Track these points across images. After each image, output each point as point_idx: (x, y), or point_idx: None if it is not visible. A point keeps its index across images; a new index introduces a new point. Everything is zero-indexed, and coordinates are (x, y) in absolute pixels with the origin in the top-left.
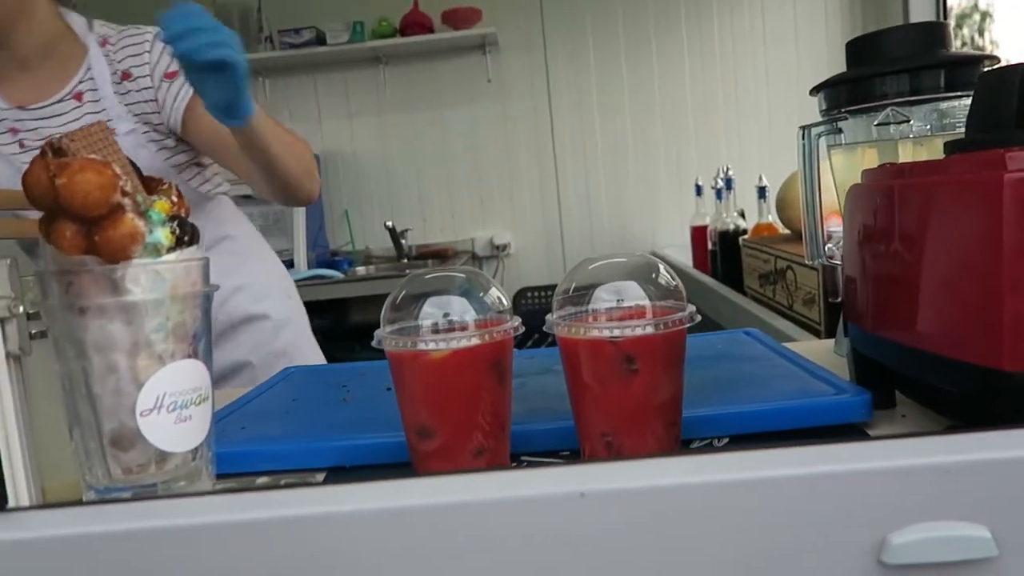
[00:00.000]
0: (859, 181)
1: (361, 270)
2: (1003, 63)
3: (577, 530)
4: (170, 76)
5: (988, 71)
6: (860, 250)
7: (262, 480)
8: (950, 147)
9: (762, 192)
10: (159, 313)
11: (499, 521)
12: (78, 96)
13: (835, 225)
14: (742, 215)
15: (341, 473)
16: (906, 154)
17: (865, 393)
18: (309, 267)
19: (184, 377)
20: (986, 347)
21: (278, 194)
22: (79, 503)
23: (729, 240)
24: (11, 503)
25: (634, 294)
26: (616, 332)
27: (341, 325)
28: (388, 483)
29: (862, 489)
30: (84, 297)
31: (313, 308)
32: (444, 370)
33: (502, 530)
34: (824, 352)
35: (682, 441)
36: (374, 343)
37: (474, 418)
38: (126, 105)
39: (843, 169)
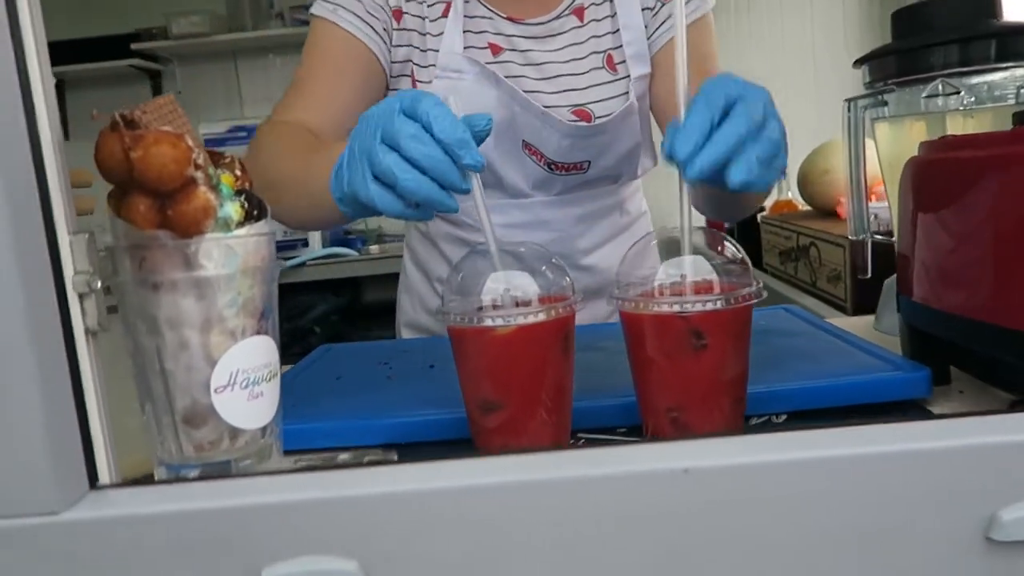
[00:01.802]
0: (907, 154)
1: (375, 248)
2: None
3: (681, 507)
4: None
5: None
6: (922, 224)
7: (342, 457)
8: (1019, 118)
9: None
10: (231, 288)
11: (603, 497)
12: (579, 12)
13: (874, 200)
14: None
15: (403, 449)
16: (955, 127)
17: (924, 369)
18: (324, 245)
19: (256, 353)
20: None
21: None
22: (173, 481)
23: (748, 217)
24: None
25: (701, 268)
26: (686, 307)
27: (356, 303)
28: (484, 460)
29: (971, 465)
30: (157, 272)
31: (328, 286)
32: (510, 346)
33: (606, 507)
34: (863, 328)
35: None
36: (436, 317)
37: (539, 392)
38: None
39: (889, 143)
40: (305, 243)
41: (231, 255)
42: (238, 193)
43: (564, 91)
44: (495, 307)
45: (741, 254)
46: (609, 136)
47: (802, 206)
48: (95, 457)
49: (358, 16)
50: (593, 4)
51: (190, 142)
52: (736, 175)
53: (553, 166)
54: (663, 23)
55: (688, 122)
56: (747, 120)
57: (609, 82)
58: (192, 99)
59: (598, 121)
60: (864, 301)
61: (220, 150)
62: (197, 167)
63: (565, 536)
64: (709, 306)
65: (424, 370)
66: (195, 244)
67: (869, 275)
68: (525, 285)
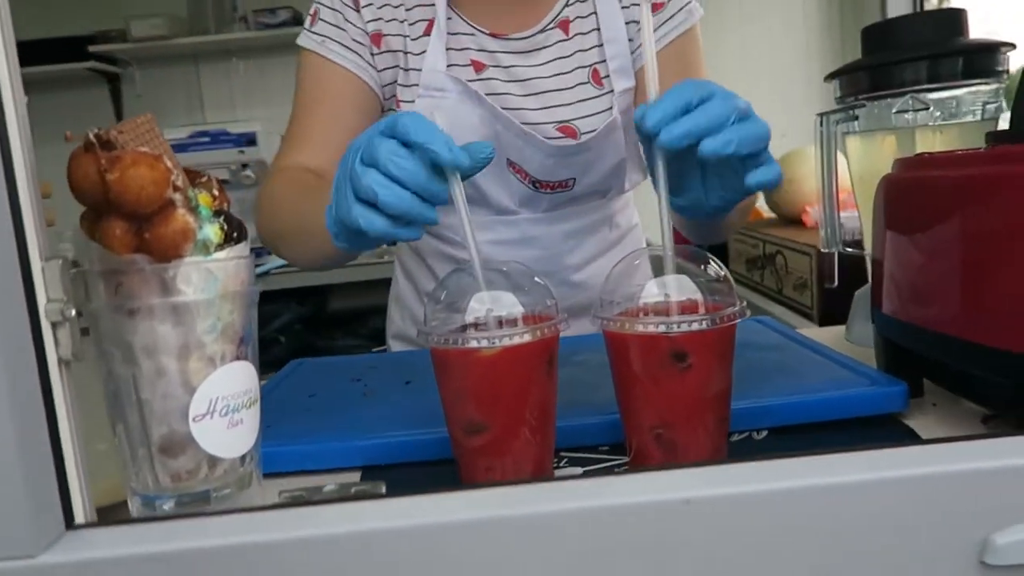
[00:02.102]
0: (878, 167)
1: None
2: (1016, 48)
3: (682, 538)
4: (654, 8)
5: None
6: (896, 239)
7: (329, 489)
8: (993, 137)
9: None
10: (210, 314)
11: (602, 529)
12: (564, 25)
13: (840, 210)
14: None
15: (379, 472)
16: (924, 141)
17: (901, 383)
18: None
19: (235, 380)
20: None
21: None
22: (151, 519)
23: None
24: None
25: (685, 287)
26: (672, 327)
27: (322, 312)
28: (477, 492)
29: (964, 490)
30: (134, 298)
31: (292, 295)
32: (495, 368)
33: (604, 539)
34: (834, 339)
35: None
36: (418, 338)
37: (523, 413)
38: (628, 39)
39: (860, 156)
40: (269, 251)
41: (211, 279)
42: (217, 214)
43: (549, 107)
44: (478, 327)
45: (724, 272)
46: (594, 153)
47: (767, 214)
48: (70, 495)
49: (345, 46)
50: (579, 17)
51: (169, 163)
52: (710, 145)
53: (538, 184)
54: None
55: (662, 98)
56: (726, 104)
57: (595, 97)
58: (152, 103)
59: (583, 138)
60: (830, 309)
61: (181, 155)
62: (176, 189)
63: (565, 570)
64: (694, 326)
65: (400, 386)
66: (174, 268)
67: (836, 285)
68: (510, 305)
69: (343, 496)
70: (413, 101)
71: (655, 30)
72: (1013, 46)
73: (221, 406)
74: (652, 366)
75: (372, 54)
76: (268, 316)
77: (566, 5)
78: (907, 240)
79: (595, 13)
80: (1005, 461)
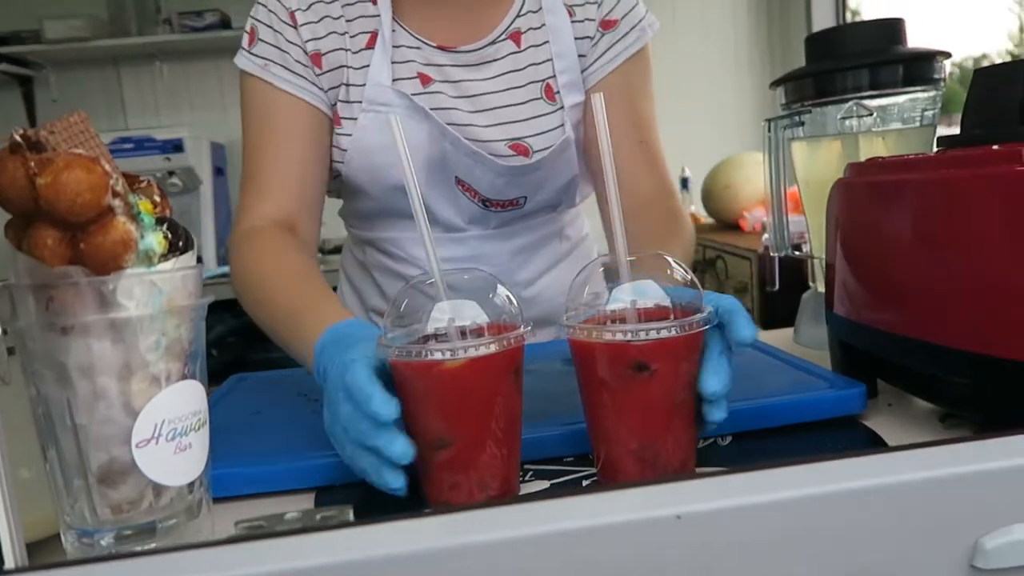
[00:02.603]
0: (823, 172)
1: None
2: (952, 58)
3: (674, 554)
4: (607, 25)
5: (985, 68)
6: (850, 243)
7: (291, 516)
8: (944, 141)
9: (685, 183)
10: (154, 330)
11: (590, 549)
12: (515, 37)
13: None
14: None
15: (334, 492)
16: (867, 146)
17: (859, 385)
18: (219, 263)
19: (183, 400)
20: (1009, 339)
21: None
22: (90, 560)
23: None
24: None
25: (653, 294)
26: (637, 335)
27: (254, 324)
28: (450, 517)
29: (952, 494)
30: (67, 315)
31: (225, 306)
32: (460, 380)
33: (592, 559)
34: (784, 341)
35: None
36: (378, 354)
37: (490, 426)
38: (579, 55)
39: (806, 161)
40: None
41: (155, 292)
42: (160, 222)
43: (501, 124)
44: (440, 338)
45: (691, 275)
46: (546, 171)
47: (705, 219)
48: (2, 534)
49: (288, 70)
50: (531, 29)
51: (107, 166)
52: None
53: (488, 203)
54: (604, 53)
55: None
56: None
57: (548, 113)
58: (69, 108)
59: (536, 156)
60: (771, 313)
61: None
62: (115, 194)
63: None
64: (663, 333)
65: None
66: (113, 281)
67: (777, 288)
68: (473, 314)
69: (309, 525)
70: (356, 119)
71: (607, 50)
72: (948, 55)
73: (167, 430)
74: (617, 375)
75: (316, 74)
76: None
77: (517, 15)
78: (859, 242)
79: (545, 25)
80: (992, 464)
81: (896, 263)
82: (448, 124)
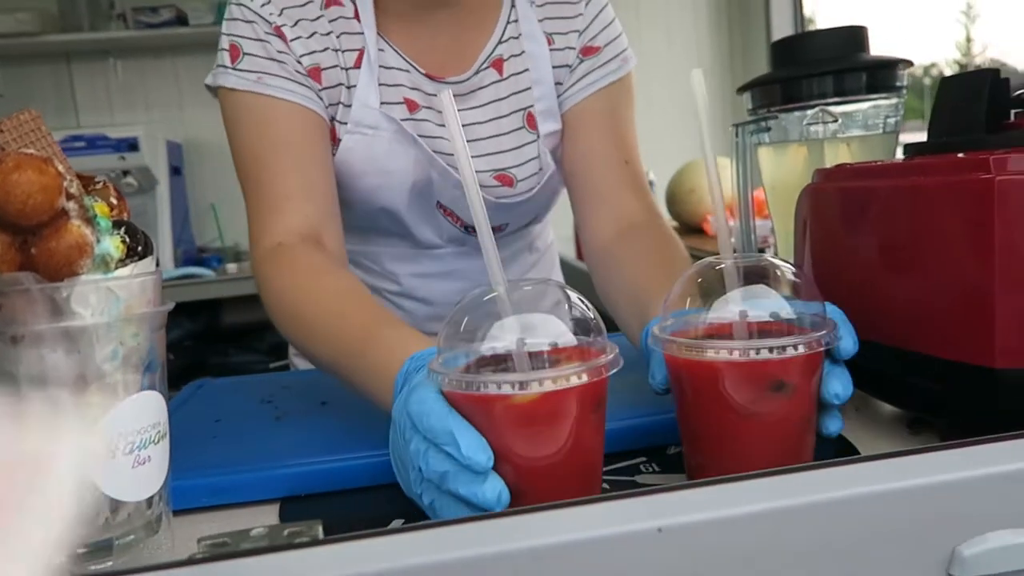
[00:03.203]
0: (790, 177)
1: (232, 267)
2: (914, 65)
3: (655, 568)
4: (588, 52)
5: (953, 76)
6: (817, 248)
7: (257, 532)
8: (912, 148)
9: (650, 187)
10: (111, 339)
11: (572, 565)
12: (498, 65)
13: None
14: None
15: (299, 503)
16: (832, 152)
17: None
18: (176, 265)
19: (142, 412)
20: (977, 346)
21: None
22: None
23: None
24: None
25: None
26: (775, 352)
27: (214, 327)
28: (431, 533)
29: (929, 503)
30: (17, 323)
31: (182, 310)
32: (530, 418)
33: (576, 573)
34: None
35: (658, 448)
36: (427, 379)
37: (562, 474)
38: (556, 83)
39: (772, 166)
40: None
41: (112, 300)
42: (117, 225)
43: (486, 155)
44: (504, 365)
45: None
46: (531, 202)
47: (670, 222)
48: None
49: (287, 79)
50: (512, 56)
51: (60, 167)
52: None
53: (470, 229)
54: (583, 77)
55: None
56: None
57: (531, 143)
58: (17, 105)
59: (519, 186)
60: None
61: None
62: (69, 197)
63: None
64: (800, 349)
65: (315, 407)
66: (67, 288)
67: None
68: (549, 334)
69: (276, 543)
70: (342, 139)
71: (587, 75)
72: (910, 63)
73: (125, 444)
74: (752, 397)
75: (318, 89)
76: None
77: (499, 43)
78: (830, 248)
79: (525, 52)
80: (968, 472)
81: (864, 269)
82: (435, 152)
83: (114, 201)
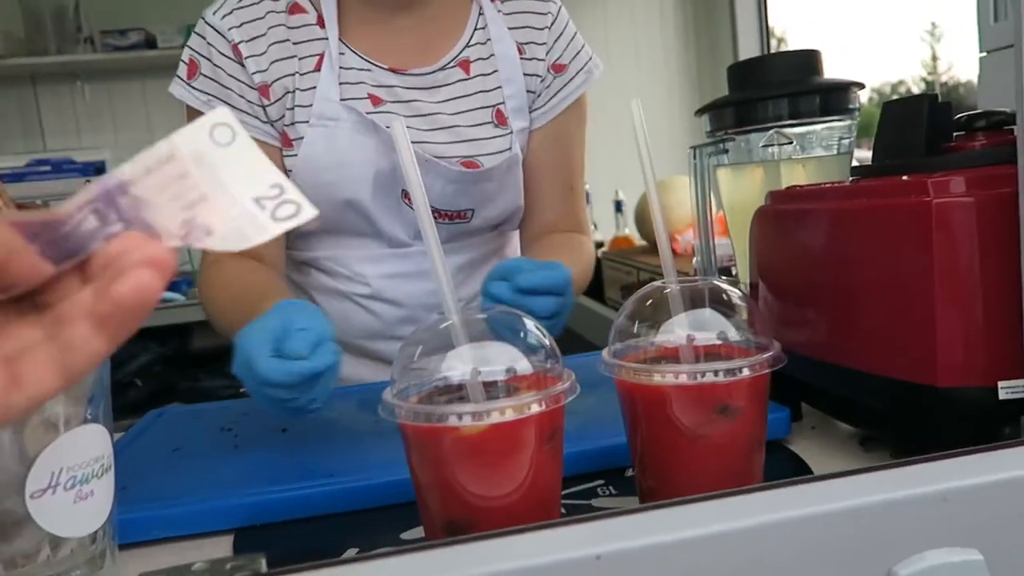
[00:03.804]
0: (748, 197)
1: None
2: (872, 83)
3: None
4: (557, 69)
5: (894, 101)
6: (771, 269)
7: (199, 567)
8: (858, 171)
9: (619, 206)
10: None
11: None
12: (464, 65)
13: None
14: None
15: (254, 534)
16: (788, 173)
17: (783, 409)
18: None
19: (84, 446)
20: (920, 365)
21: None
22: None
23: None
24: None
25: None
26: (723, 375)
27: (183, 351)
28: (374, 564)
29: (867, 523)
30: None
31: (150, 334)
32: (481, 450)
33: None
34: None
35: (615, 470)
36: (381, 411)
37: (518, 506)
38: (526, 91)
39: (730, 187)
40: None
41: None
42: None
43: (454, 142)
44: (456, 395)
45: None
46: (495, 184)
47: (639, 241)
48: None
49: (231, 106)
50: (480, 59)
51: None
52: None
53: (437, 214)
54: (556, 95)
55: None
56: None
57: (498, 136)
58: None
59: (481, 170)
60: None
61: (18, 185)
62: None
63: None
64: (745, 372)
65: (275, 435)
66: None
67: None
68: (502, 361)
69: None
70: (302, 137)
71: (558, 92)
72: (862, 85)
73: (66, 478)
74: (699, 419)
75: (264, 108)
76: (123, 357)
77: (466, 46)
78: (782, 269)
79: (494, 55)
80: (902, 492)
81: (814, 290)
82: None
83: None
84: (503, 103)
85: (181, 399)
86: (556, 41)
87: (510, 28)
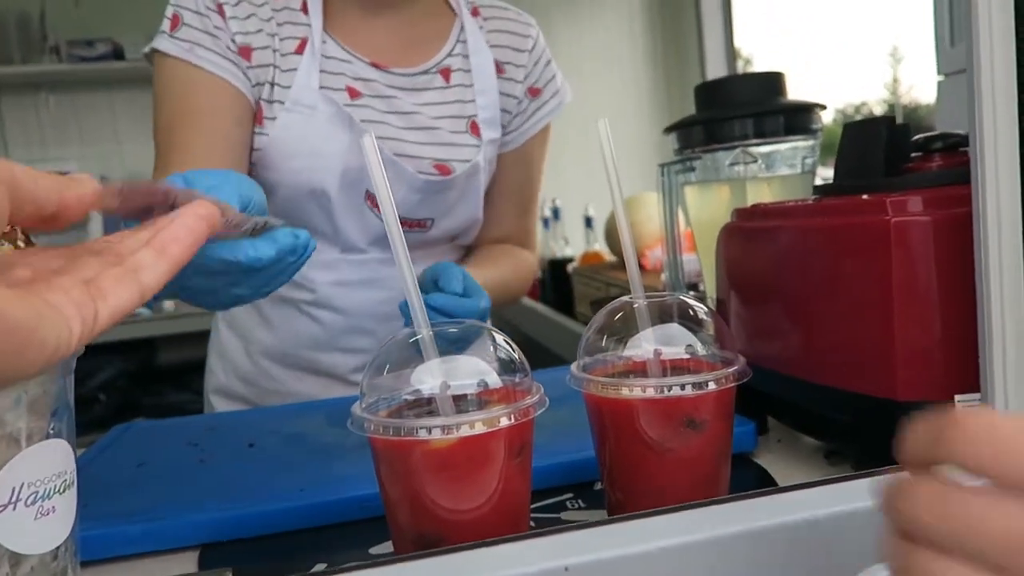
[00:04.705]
0: (715, 214)
1: (168, 305)
2: (836, 104)
3: None
4: (534, 93)
5: (854, 123)
6: (737, 285)
7: None
8: (820, 190)
9: (589, 222)
10: (13, 387)
11: None
12: (445, 73)
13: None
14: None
15: (220, 549)
16: (754, 190)
17: (750, 423)
18: None
19: (46, 462)
20: (881, 379)
21: None
22: None
23: (559, 268)
24: None
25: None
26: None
27: (149, 366)
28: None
29: (829, 534)
30: None
31: (115, 348)
32: (449, 464)
33: None
34: None
35: (584, 483)
36: (350, 425)
37: (487, 520)
38: (501, 110)
39: (698, 204)
40: None
41: None
42: None
43: (429, 143)
44: (426, 408)
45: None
46: (456, 193)
47: (608, 256)
48: None
49: (217, 53)
50: (460, 70)
51: None
52: None
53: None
54: (527, 121)
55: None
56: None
57: (470, 145)
58: None
59: (452, 175)
60: None
61: None
62: None
63: None
64: (711, 387)
65: (242, 450)
66: None
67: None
68: (471, 375)
69: None
70: (275, 118)
71: (532, 115)
72: (824, 107)
73: (27, 494)
74: (668, 433)
75: (243, 68)
76: (87, 372)
77: (448, 56)
78: (745, 285)
79: (472, 68)
80: (864, 503)
81: (778, 305)
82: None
83: (21, 244)
84: (476, 115)
85: (146, 414)
86: (535, 65)
87: (490, 45)
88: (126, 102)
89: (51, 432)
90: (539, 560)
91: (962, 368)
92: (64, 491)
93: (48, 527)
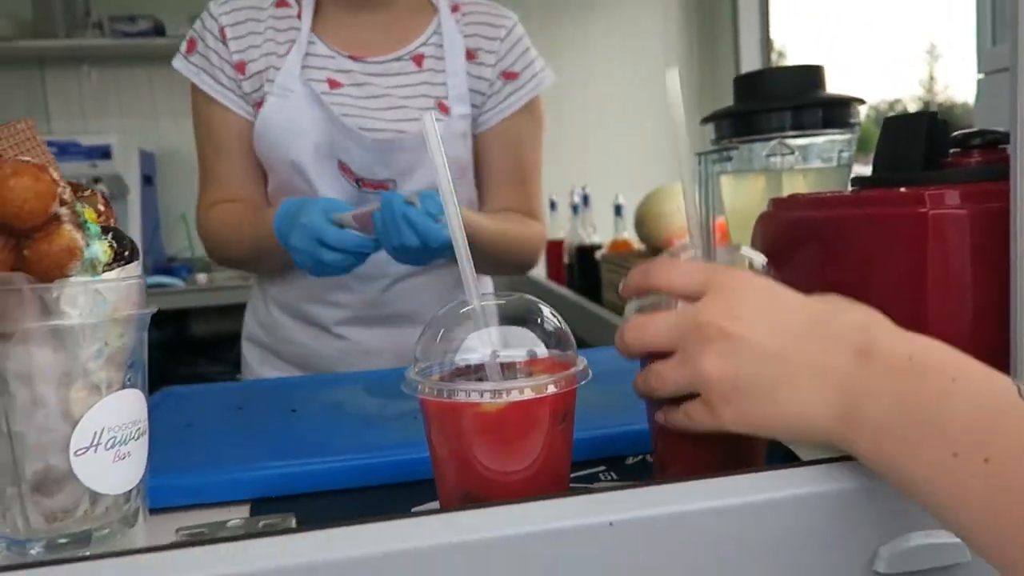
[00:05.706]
0: (750, 204)
1: (202, 277)
2: (870, 101)
3: (608, 560)
4: (509, 76)
5: (894, 117)
6: (775, 274)
7: (234, 523)
8: (858, 182)
9: (618, 210)
10: (97, 338)
11: (529, 554)
12: (418, 60)
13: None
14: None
15: (269, 505)
16: (790, 182)
17: None
18: (146, 274)
19: (123, 409)
20: None
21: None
22: (18, 567)
23: (586, 254)
24: None
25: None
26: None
27: (182, 337)
28: (395, 524)
29: (854, 506)
30: (7, 321)
31: (150, 319)
32: (496, 427)
33: (532, 564)
34: None
35: (616, 457)
36: (404, 388)
37: (528, 483)
38: (470, 90)
39: (733, 194)
40: None
41: (100, 301)
42: (105, 231)
43: (396, 120)
44: (478, 375)
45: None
46: (412, 155)
47: (637, 245)
48: None
49: (218, 83)
50: (433, 57)
51: (54, 174)
52: None
53: (361, 182)
54: (505, 99)
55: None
56: None
57: (437, 120)
58: None
59: (398, 137)
60: None
61: None
62: (62, 203)
63: None
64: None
65: (285, 415)
66: (57, 289)
67: None
68: (521, 345)
69: (252, 532)
70: (264, 103)
71: (508, 97)
72: (863, 101)
73: (107, 438)
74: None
75: (239, 83)
76: None
77: (422, 45)
78: (782, 273)
79: (445, 55)
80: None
81: (812, 291)
82: (343, 115)
83: (101, 208)
84: (446, 96)
85: (178, 383)
86: (509, 52)
87: (464, 35)
88: (164, 78)
89: (127, 383)
90: (585, 515)
91: (995, 361)
92: (139, 438)
93: (124, 470)
